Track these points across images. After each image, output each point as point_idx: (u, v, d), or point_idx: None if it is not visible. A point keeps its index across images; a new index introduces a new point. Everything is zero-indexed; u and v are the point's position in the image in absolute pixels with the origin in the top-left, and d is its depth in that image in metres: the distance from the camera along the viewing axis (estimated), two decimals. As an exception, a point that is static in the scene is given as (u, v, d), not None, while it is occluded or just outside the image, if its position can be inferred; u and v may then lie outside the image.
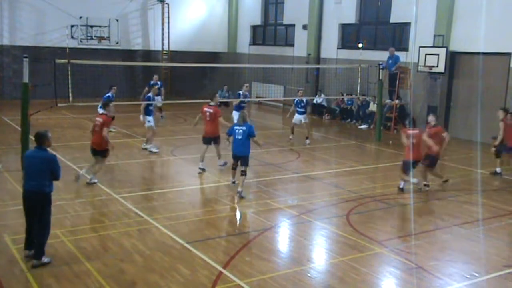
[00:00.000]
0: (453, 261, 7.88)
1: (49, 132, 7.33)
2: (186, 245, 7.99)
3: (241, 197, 10.47)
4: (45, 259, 7.13)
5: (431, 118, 11.87)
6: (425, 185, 11.57)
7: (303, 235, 8.80)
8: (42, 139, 7.19)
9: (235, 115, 15.62)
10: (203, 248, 7.90)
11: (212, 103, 12.52)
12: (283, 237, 8.89)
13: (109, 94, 16.08)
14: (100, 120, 11.25)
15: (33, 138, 7.60)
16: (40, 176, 7.06)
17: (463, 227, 9.32)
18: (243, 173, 10.63)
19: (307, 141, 16.40)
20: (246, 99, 17.09)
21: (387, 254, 7.98)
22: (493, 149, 13.20)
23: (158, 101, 17.82)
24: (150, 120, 14.75)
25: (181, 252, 7.76)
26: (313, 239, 8.71)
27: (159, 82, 18.56)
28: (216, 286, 6.70)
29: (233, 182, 11.25)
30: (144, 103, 14.88)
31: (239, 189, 10.55)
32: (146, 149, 14.71)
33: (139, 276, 6.93)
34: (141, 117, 14.77)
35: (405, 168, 11.18)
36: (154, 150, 14.58)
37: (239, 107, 16.09)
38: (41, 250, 7.11)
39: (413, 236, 8.72)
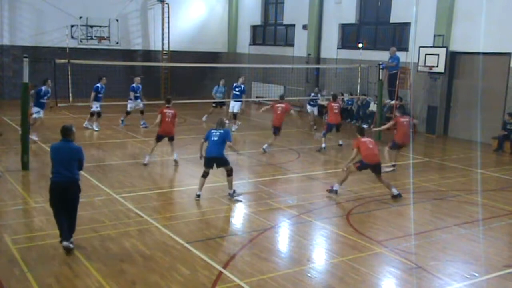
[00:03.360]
0: (453, 261, 7.88)
1: (73, 126, 7.84)
2: (186, 245, 7.99)
3: (236, 195, 10.51)
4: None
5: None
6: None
7: (303, 235, 8.81)
8: (68, 132, 7.73)
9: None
10: (203, 248, 7.90)
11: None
12: (283, 237, 8.89)
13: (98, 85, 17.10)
14: (172, 112, 13.03)
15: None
16: (70, 166, 7.59)
17: (463, 227, 9.32)
18: (231, 173, 10.45)
19: None
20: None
21: (387, 254, 7.98)
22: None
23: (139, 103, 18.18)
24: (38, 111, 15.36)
25: (181, 252, 7.76)
26: (313, 239, 8.72)
27: (140, 86, 18.43)
28: (216, 286, 6.70)
29: (198, 196, 10.46)
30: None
31: (231, 191, 10.48)
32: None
33: (139, 276, 6.93)
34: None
35: None
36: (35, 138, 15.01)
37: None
38: (72, 232, 7.70)
39: (413, 236, 8.73)
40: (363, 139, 11.04)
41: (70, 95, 13.34)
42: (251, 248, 8.05)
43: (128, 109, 18.35)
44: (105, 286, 6.62)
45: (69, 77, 13.26)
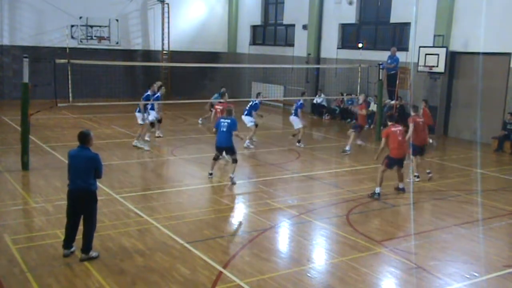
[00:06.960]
0: (453, 261, 7.88)
1: (91, 131, 7.53)
2: (186, 245, 7.99)
3: (233, 183, 11.48)
4: (93, 253, 7.38)
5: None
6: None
7: (303, 235, 8.80)
8: (85, 138, 7.38)
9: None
10: (203, 248, 7.90)
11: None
12: (283, 237, 8.89)
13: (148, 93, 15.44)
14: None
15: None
16: (85, 175, 7.27)
17: (463, 227, 9.32)
18: (235, 161, 11.62)
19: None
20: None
21: (387, 254, 7.97)
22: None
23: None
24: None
25: (181, 252, 7.76)
26: (313, 239, 8.71)
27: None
28: (216, 286, 6.70)
29: (210, 174, 11.90)
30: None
31: (232, 175, 11.56)
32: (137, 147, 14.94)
33: (139, 276, 6.93)
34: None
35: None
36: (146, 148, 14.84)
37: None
38: (89, 244, 7.36)
39: (413, 236, 8.72)
40: (394, 128, 10.24)
41: (70, 95, 13.30)
42: (251, 248, 8.05)
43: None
44: (105, 286, 6.62)
45: (69, 77, 13.22)
